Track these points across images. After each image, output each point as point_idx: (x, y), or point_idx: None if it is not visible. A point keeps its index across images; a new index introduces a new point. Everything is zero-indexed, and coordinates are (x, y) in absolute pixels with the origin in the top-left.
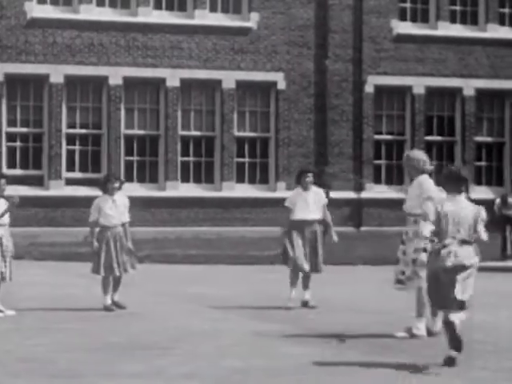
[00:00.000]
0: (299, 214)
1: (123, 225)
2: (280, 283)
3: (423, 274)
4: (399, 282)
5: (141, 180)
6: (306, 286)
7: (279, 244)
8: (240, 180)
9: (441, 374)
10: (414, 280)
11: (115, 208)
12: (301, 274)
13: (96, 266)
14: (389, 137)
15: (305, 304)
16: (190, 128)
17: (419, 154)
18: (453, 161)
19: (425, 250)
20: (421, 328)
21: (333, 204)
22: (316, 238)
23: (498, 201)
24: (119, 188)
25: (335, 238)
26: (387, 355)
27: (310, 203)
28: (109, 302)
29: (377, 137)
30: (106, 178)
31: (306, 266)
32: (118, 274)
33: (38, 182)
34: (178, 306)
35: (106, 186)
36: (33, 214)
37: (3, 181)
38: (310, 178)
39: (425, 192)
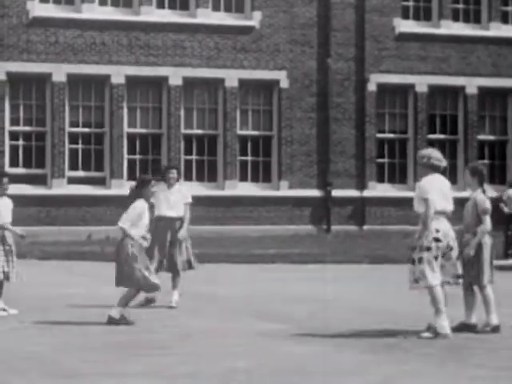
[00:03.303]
0: (161, 211)
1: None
2: (283, 282)
3: (429, 273)
4: (415, 281)
5: None
6: (175, 286)
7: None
8: (243, 179)
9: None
10: (422, 280)
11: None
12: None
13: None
14: (391, 135)
15: (149, 301)
16: (193, 126)
17: (426, 150)
18: (455, 159)
19: (428, 249)
20: (444, 326)
21: (336, 203)
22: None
23: (506, 195)
24: None
25: (182, 234)
26: (389, 354)
27: (171, 200)
28: (117, 315)
29: (379, 135)
30: (144, 180)
31: (167, 266)
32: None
33: (40, 180)
34: (180, 305)
35: (144, 190)
36: (35, 213)
37: (6, 179)
38: (173, 174)
39: (422, 193)
